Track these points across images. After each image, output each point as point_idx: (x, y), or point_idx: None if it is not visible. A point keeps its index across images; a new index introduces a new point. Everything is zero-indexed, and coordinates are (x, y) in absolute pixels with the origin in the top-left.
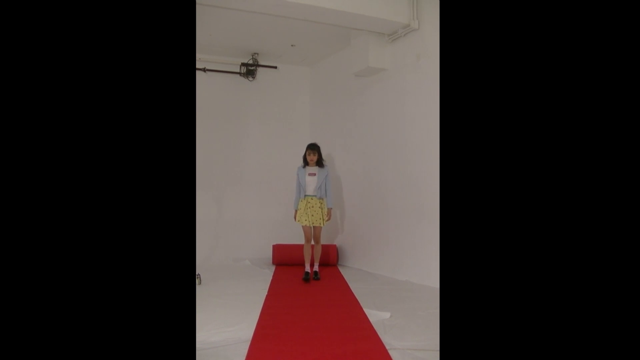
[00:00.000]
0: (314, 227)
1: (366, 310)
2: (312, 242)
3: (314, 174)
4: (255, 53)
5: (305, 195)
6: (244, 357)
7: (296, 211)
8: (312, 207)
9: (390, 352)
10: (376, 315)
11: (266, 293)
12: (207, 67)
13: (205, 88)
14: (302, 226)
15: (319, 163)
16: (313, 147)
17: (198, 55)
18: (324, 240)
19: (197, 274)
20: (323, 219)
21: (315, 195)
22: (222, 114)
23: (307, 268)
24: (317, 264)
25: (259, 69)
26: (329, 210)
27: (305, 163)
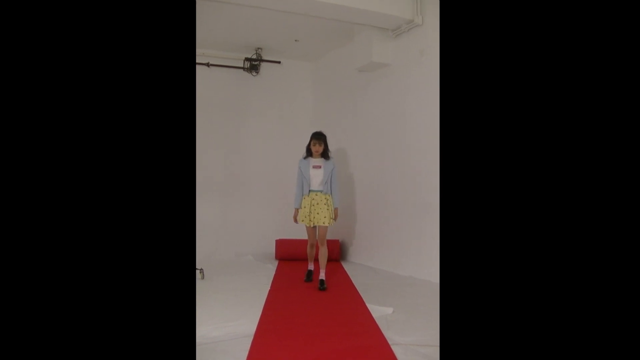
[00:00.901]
0: (318, 227)
1: (369, 306)
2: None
3: (319, 167)
4: (258, 48)
5: (309, 191)
6: (247, 352)
7: (297, 210)
8: (318, 204)
9: (393, 348)
10: (379, 311)
11: (269, 288)
12: (211, 62)
13: (209, 83)
14: (306, 227)
15: (325, 154)
16: (319, 137)
17: (201, 51)
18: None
19: (200, 268)
20: (330, 218)
21: (321, 191)
22: (225, 109)
23: (311, 266)
24: (324, 270)
25: (263, 64)
26: (336, 210)
27: (309, 154)
